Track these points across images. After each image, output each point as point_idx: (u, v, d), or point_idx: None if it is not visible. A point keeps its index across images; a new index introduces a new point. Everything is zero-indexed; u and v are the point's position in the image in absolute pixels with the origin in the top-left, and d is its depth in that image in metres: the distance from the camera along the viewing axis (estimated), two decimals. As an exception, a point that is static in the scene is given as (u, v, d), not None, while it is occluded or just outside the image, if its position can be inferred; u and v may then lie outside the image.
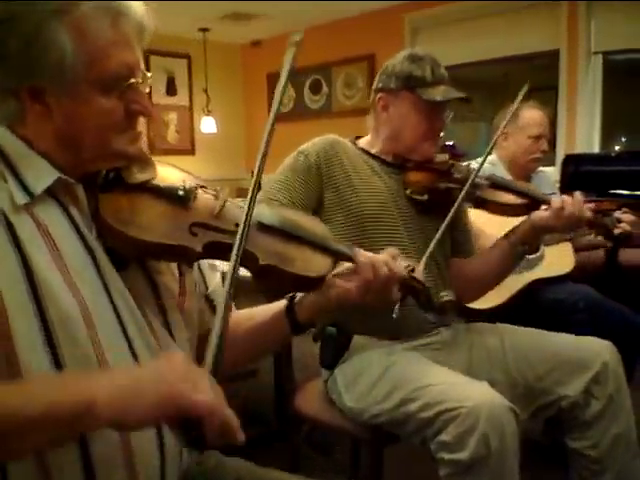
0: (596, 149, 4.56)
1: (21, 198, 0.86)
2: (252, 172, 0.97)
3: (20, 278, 0.82)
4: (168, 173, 1.00)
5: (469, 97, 1.68)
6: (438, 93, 1.66)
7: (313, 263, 1.06)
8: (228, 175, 6.60)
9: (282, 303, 1.11)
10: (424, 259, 1.39)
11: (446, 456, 1.34)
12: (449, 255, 1.78)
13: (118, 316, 0.89)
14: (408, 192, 1.70)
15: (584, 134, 4.50)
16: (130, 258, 0.95)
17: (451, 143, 1.85)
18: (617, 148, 6.36)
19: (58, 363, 0.82)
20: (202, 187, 1.01)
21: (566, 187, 3.38)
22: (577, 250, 2.44)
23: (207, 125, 6.23)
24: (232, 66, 6.60)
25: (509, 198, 1.70)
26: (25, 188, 0.87)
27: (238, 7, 5.34)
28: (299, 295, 1.12)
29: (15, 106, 0.89)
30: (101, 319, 0.87)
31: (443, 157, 1.79)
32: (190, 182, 0.99)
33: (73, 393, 0.72)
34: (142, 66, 0.93)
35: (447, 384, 1.40)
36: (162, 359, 0.79)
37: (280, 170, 1.69)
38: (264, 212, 1.05)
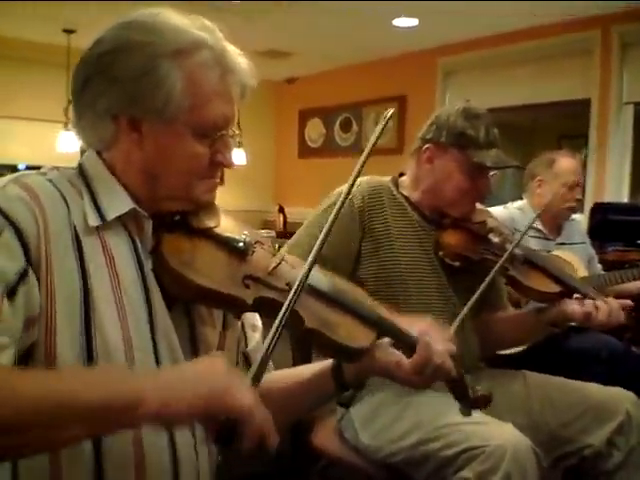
0: (625, 199, 4.52)
1: (94, 220, 0.89)
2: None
3: (77, 302, 0.84)
4: (231, 224, 1.03)
5: (520, 165, 1.63)
6: (489, 158, 1.60)
7: (357, 334, 1.03)
8: (255, 207, 6.67)
9: (329, 362, 1.09)
10: (455, 325, 1.38)
11: None
12: (476, 314, 1.72)
13: (156, 354, 0.90)
14: (441, 254, 1.65)
15: (613, 183, 4.48)
16: (180, 299, 0.96)
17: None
18: (646, 198, 6.27)
19: None
20: (260, 243, 1.03)
21: (594, 236, 3.35)
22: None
23: (237, 157, 6.34)
24: (266, 101, 6.71)
25: (542, 283, 1.62)
26: (99, 211, 0.90)
27: (275, 45, 5.46)
28: None
29: (111, 131, 0.92)
30: (141, 356, 0.88)
31: (482, 215, 1.73)
32: (250, 237, 1.01)
33: (126, 388, 0.73)
34: (235, 122, 0.98)
35: (470, 423, 1.37)
36: (204, 361, 0.81)
37: (324, 208, 1.65)
38: (317, 276, 1.04)
